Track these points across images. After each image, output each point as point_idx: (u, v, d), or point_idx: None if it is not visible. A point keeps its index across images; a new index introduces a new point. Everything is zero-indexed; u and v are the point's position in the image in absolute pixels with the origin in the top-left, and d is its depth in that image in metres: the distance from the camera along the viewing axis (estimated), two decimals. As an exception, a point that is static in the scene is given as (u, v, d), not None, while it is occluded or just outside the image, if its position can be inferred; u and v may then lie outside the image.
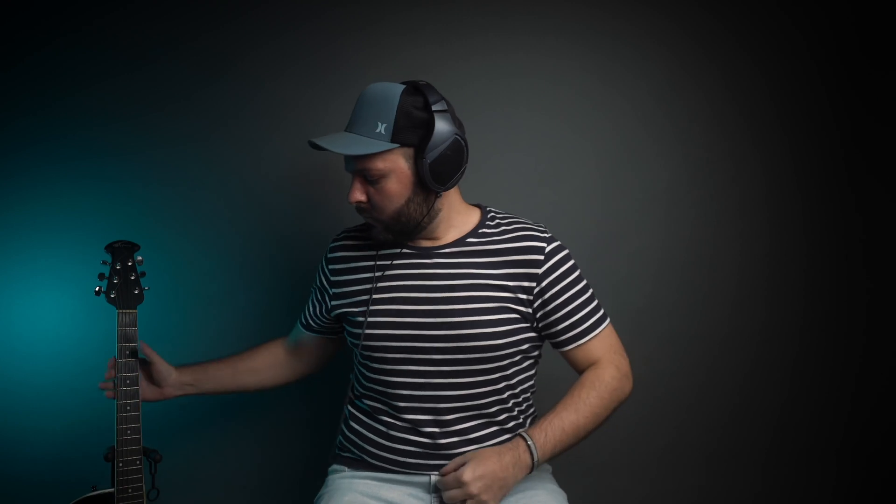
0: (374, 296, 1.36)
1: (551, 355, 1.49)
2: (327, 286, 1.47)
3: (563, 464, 1.53)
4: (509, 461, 1.23)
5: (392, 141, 1.23)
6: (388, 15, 1.91)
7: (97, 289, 1.42)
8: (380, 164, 1.25)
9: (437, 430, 1.34)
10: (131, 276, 1.45)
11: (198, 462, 1.87)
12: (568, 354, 1.40)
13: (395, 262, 1.38)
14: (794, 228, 2.02)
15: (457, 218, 1.37)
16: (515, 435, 1.31)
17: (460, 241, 1.36)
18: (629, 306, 1.97)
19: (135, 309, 1.44)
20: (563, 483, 1.46)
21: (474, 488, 1.20)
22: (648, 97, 1.97)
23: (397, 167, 1.26)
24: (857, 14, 1.99)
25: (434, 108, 1.24)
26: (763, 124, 2.00)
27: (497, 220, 1.40)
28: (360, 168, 1.27)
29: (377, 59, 1.91)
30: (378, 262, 1.39)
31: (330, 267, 1.46)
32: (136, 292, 1.45)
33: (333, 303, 1.45)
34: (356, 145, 1.23)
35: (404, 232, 1.33)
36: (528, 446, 1.25)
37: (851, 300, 2.03)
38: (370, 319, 1.35)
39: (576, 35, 1.96)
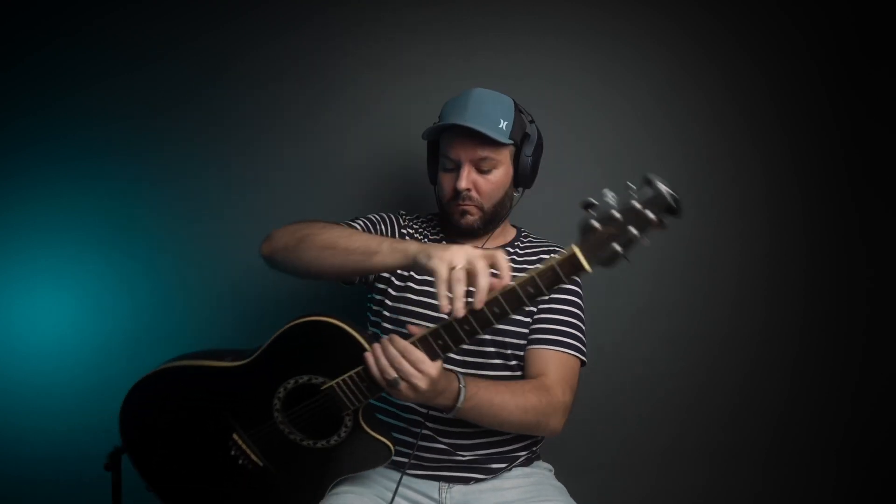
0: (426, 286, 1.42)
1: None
2: (397, 226, 1.52)
3: (564, 463, 1.53)
4: (443, 387, 1.19)
5: (509, 138, 1.39)
6: (388, 15, 1.91)
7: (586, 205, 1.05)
8: (497, 155, 1.40)
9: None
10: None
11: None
12: (528, 353, 1.40)
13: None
14: (794, 228, 2.02)
15: (504, 228, 1.54)
16: (455, 374, 1.25)
17: (501, 249, 1.44)
18: (629, 306, 1.97)
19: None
20: (563, 482, 1.46)
21: (416, 378, 1.12)
22: (648, 97, 1.97)
23: (505, 161, 1.42)
24: (857, 14, 1.99)
25: (531, 119, 1.45)
26: (763, 124, 2.00)
27: (531, 238, 1.56)
28: (480, 156, 1.38)
29: (377, 59, 1.91)
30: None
31: (401, 231, 1.52)
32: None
33: None
34: (493, 133, 1.35)
35: (492, 221, 1.46)
36: (460, 389, 1.21)
37: (851, 300, 2.03)
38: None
39: (576, 35, 1.96)
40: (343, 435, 1.25)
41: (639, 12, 1.96)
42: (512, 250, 1.49)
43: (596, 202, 1.05)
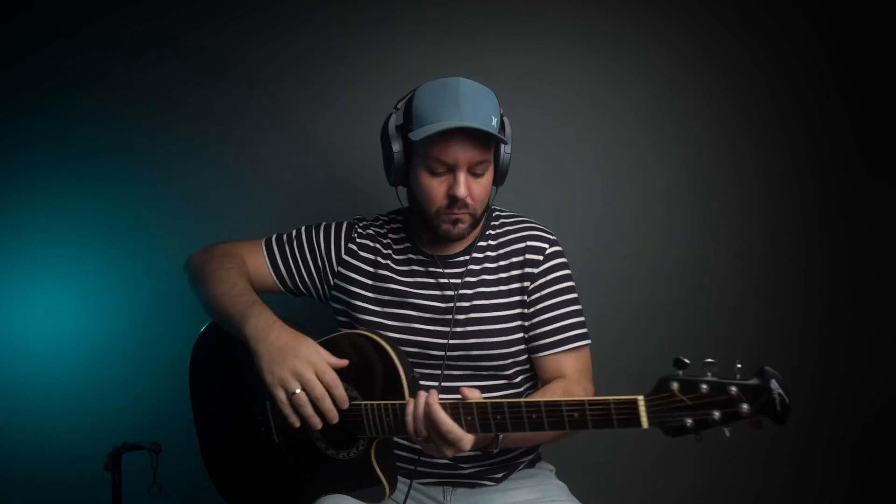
0: (392, 297, 1.34)
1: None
2: (334, 263, 1.39)
3: (565, 463, 1.53)
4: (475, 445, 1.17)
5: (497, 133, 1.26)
6: (388, 15, 1.91)
7: None
8: (490, 156, 1.28)
9: None
10: None
11: (199, 456, 1.87)
12: (538, 361, 1.37)
13: (427, 269, 1.36)
14: (794, 228, 2.02)
15: None
16: None
17: (472, 248, 1.37)
18: (629, 306, 1.97)
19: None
20: (564, 482, 1.46)
21: (446, 447, 1.11)
22: (648, 97, 1.97)
23: (492, 160, 1.30)
24: (857, 14, 1.98)
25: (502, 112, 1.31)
26: (763, 124, 2.00)
27: (501, 220, 1.41)
28: (479, 160, 1.25)
29: (377, 59, 1.91)
30: (430, 269, 1.36)
31: (349, 245, 1.40)
32: None
33: (337, 282, 1.40)
34: (494, 134, 1.23)
35: (478, 225, 1.33)
36: (497, 437, 1.20)
37: (852, 300, 2.03)
38: (389, 322, 1.34)
39: (576, 35, 1.96)
40: (351, 455, 1.24)
41: (639, 12, 1.96)
42: (484, 244, 1.37)
43: (688, 362, 0.95)
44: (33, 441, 1.86)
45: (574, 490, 1.42)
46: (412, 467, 1.33)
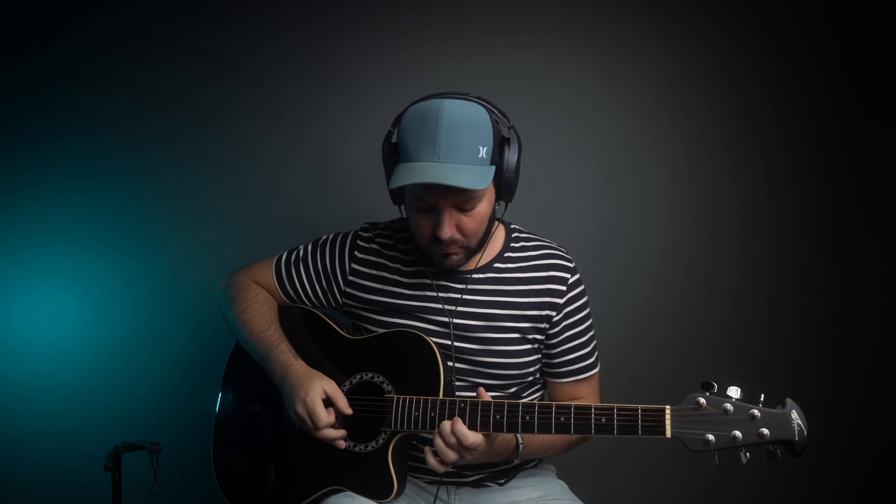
0: (400, 310, 1.34)
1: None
2: (340, 279, 1.39)
3: (566, 463, 1.53)
4: (498, 450, 1.23)
5: (490, 163, 1.18)
6: (388, 15, 1.91)
7: None
8: (483, 191, 1.19)
9: None
10: None
11: (200, 456, 1.87)
12: (555, 386, 1.39)
13: (438, 282, 1.34)
14: (794, 228, 2.02)
15: (492, 238, 1.34)
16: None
17: (488, 267, 1.34)
18: (629, 306, 1.97)
19: None
20: (566, 482, 1.46)
21: (466, 453, 1.16)
22: (648, 97, 1.97)
23: (489, 189, 1.22)
24: (857, 14, 1.99)
25: (510, 125, 1.25)
26: (763, 124, 2.00)
27: (522, 243, 1.37)
28: (465, 199, 1.18)
29: (377, 59, 1.91)
30: (435, 283, 1.34)
31: (352, 265, 1.38)
32: None
33: (346, 301, 1.40)
34: (474, 177, 1.14)
35: (478, 251, 1.29)
36: (518, 447, 1.25)
37: (852, 299, 2.03)
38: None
39: (576, 35, 1.96)
40: (368, 448, 1.25)
41: (639, 12, 1.96)
42: (503, 266, 1.34)
43: (715, 385, 1.02)
44: (33, 441, 1.86)
45: (575, 489, 1.43)
46: (438, 477, 1.32)
